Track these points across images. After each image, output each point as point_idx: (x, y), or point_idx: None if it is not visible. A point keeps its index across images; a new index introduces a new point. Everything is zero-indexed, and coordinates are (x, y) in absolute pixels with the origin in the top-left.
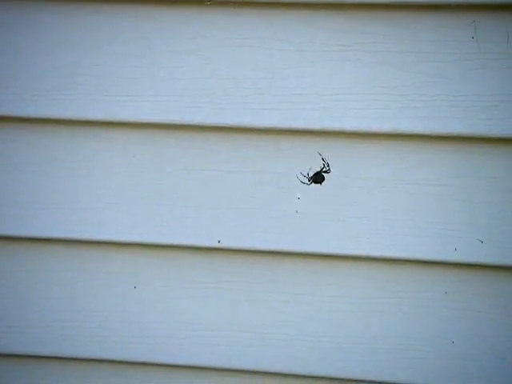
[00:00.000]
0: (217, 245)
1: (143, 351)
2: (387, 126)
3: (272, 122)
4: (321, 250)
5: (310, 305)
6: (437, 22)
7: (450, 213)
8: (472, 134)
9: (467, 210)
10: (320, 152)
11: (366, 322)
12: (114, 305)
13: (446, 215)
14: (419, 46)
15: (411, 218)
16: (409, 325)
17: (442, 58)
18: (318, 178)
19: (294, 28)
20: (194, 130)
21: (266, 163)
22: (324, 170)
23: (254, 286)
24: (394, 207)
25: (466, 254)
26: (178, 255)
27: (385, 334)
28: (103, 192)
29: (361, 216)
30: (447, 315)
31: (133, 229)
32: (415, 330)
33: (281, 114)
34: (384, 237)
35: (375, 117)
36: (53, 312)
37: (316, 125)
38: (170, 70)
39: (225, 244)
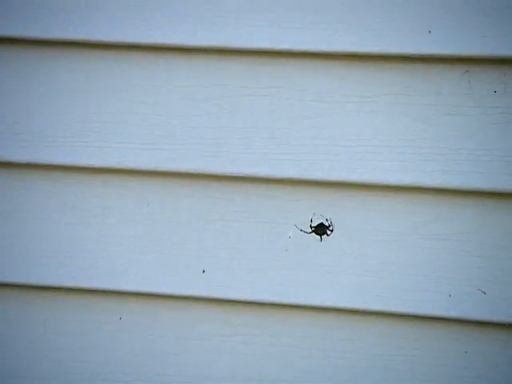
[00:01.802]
0: (232, 297)
1: None
2: (406, 179)
3: (289, 173)
4: (334, 304)
5: (328, 360)
6: (459, 75)
7: (469, 269)
8: (493, 189)
9: (487, 266)
10: (338, 203)
11: (382, 377)
12: (125, 356)
13: (466, 271)
14: (440, 99)
15: (430, 274)
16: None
17: (463, 112)
18: (319, 230)
19: (312, 78)
20: (210, 179)
21: (284, 213)
22: (328, 225)
23: (268, 339)
24: (412, 261)
25: (487, 311)
26: (192, 306)
27: None
28: (115, 240)
29: (378, 270)
30: (467, 375)
31: (145, 278)
32: None
33: (298, 165)
34: (401, 292)
35: (394, 169)
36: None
37: (334, 176)
38: (186, 118)
39: (240, 296)
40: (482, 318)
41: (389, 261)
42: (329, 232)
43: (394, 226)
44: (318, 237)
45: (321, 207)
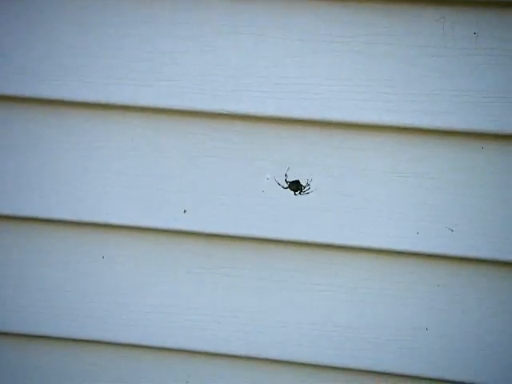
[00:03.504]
0: (214, 231)
1: (137, 334)
2: (387, 119)
3: (272, 111)
4: (317, 240)
5: (304, 292)
6: (441, 16)
7: (445, 207)
8: (471, 129)
9: (462, 204)
10: (319, 141)
11: (360, 312)
12: (109, 289)
13: (441, 209)
14: (422, 40)
15: (406, 211)
16: (401, 316)
17: (444, 53)
18: (293, 185)
19: (296, 18)
20: (193, 115)
21: (265, 152)
22: (304, 186)
23: (249, 273)
24: (390, 199)
25: (460, 247)
26: (174, 240)
27: (375, 323)
28: (99, 175)
29: (357, 207)
30: (438, 308)
31: (128, 212)
32: (408, 321)
33: (281, 103)
34: (379, 228)
35: (376, 109)
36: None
37: (315, 115)
38: (171, 55)
39: (222, 231)
40: (456, 254)
41: (368, 198)
42: (304, 189)
43: (373, 164)
44: (299, 176)
45: (302, 146)
